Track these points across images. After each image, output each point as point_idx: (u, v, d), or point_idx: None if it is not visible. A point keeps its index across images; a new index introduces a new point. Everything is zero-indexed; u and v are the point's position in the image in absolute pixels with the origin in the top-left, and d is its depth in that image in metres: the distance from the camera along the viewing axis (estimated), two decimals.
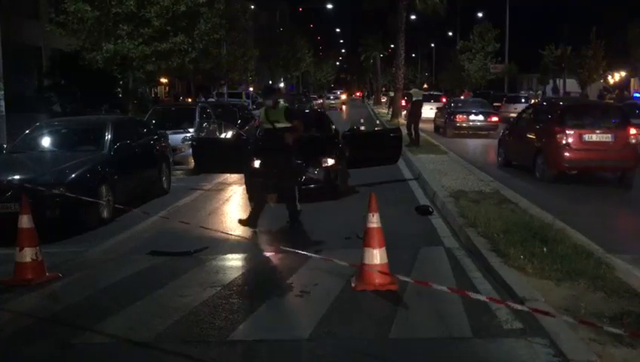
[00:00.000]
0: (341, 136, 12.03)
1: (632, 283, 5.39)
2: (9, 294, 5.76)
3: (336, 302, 5.32)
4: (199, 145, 11.54)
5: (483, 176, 12.15)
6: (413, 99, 19.71)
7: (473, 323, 4.75)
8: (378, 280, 5.56)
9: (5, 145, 10.86)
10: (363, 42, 79.66)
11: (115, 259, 7.06)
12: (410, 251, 6.84)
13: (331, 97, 63.89)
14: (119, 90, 22.68)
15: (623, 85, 43.61)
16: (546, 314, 4.18)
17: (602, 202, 10.38)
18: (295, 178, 8.80)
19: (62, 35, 19.06)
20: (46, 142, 10.17)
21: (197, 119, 15.74)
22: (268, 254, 7.11)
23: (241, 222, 8.35)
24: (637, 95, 27.68)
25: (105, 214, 8.79)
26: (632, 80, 44.93)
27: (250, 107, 28.99)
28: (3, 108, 13.49)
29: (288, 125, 8.41)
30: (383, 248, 5.62)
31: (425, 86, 40.71)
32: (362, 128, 15.11)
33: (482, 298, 4.70)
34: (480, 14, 55.62)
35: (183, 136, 14.57)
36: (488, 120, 23.54)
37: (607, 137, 11.80)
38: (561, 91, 46.00)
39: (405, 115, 21.85)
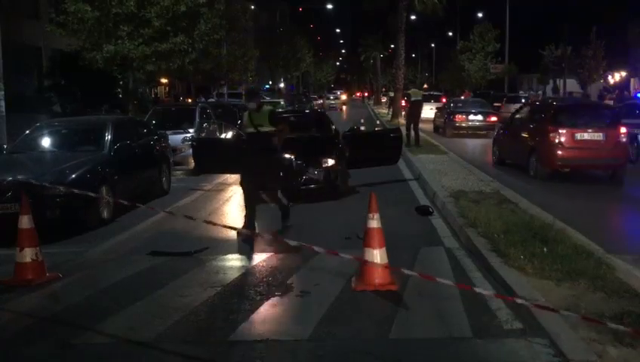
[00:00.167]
0: (341, 136, 12.03)
1: (633, 283, 5.39)
2: (9, 294, 5.76)
3: (336, 302, 5.32)
4: (199, 146, 11.54)
5: (483, 176, 12.16)
6: (412, 99, 19.72)
7: (473, 324, 4.75)
8: (378, 280, 5.56)
9: (5, 146, 10.87)
10: (363, 42, 79.69)
11: (116, 260, 7.06)
12: (410, 251, 6.85)
13: (331, 97, 63.78)
14: (119, 90, 22.69)
15: (623, 85, 43.59)
16: (550, 309, 4.18)
17: (594, 199, 10.62)
18: (278, 181, 8.47)
19: (62, 36, 19.07)
20: (46, 142, 10.17)
21: (197, 119, 15.75)
22: (268, 254, 7.10)
23: (239, 233, 7.91)
24: (637, 95, 27.64)
25: (105, 214, 8.79)
26: (632, 80, 44.91)
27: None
28: (3, 109, 13.49)
29: (272, 129, 8.18)
30: (383, 248, 5.62)
31: (425, 86, 40.74)
32: (362, 128, 15.12)
33: (486, 292, 4.72)
34: (480, 14, 55.62)
35: (183, 136, 14.57)
36: (487, 120, 23.59)
37: (598, 136, 12.12)
38: (562, 91, 45.98)
39: (404, 115, 21.92)
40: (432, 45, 72.66)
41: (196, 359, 4.38)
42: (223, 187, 12.18)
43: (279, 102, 34.14)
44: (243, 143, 8.61)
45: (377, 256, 5.56)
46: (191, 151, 12.12)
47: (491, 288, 5.58)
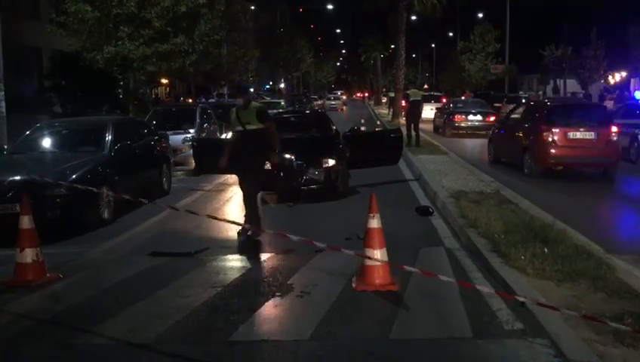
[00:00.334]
0: (342, 136, 12.04)
1: (633, 283, 5.38)
2: (10, 295, 5.76)
3: (336, 303, 5.32)
4: (200, 146, 11.54)
5: (483, 176, 12.16)
6: (411, 99, 19.74)
7: (474, 324, 4.75)
8: (379, 280, 5.56)
9: (6, 146, 10.87)
10: (363, 43, 79.71)
11: (116, 260, 7.06)
12: (410, 252, 6.84)
13: (332, 98, 63.63)
14: (120, 90, 22.71)
15: (624, 85, 43.57)
16: (550, 307, 4.18)
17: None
18: (261, 185, 8.09)
19: (62, 36, 19.08)
20: (47, 142, 10.18)
21: (197, 120, 15.76)
22: (268, 255, 7.10)
23: (240, 234, 7.90)
24: (634, 95, 27.65)
25: (105, 215, 8.79)
26: (633, 80, 44.89)
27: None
28: (4, 109, 13.50)
29: (260, 127, 7.83)
30: (384, 249, 5.63)
31: (425, 86, 40.73)
32: (363, 129, 15.12)
33: (486, 289, 4.71)
34: (480, 15, 55.60)
35: (183, 136, 14.58)
36: (486, 120, 23.68)
37: (590, 135, 12.48)
38: (562, 92, 45.97)
39: (404, 116, 21.99)
40: (433, 46, 72.62)
41: (197, 360, 4.37)
42: (223, 187, 12.18)
43: (280, 103, 34.17)
44: (231, 142, 8.29)
45: (378, 256, 5.56)
46: (191, 151, 12.12)
47: (492, 289, 5.57)
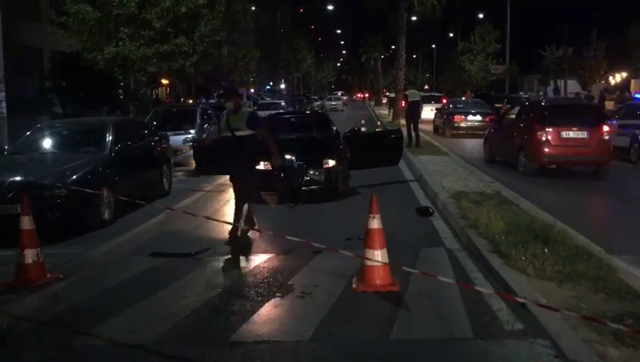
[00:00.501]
0: (342, 137, 12.04)
1: (634, 284, 5.38)
2: (10, 295, 5.76)
3: (337, 303, 5.32)
4: (200, 147, 11.54)
5: (484, 177, 12.16)
6: (410, 99, 19.75)
7: (474, 324, 4.75)
8: (379, 281, 5.56)
9: (6, 147, 10.87)
10: (363, 43, 79.71)
11: (116, 261, 7.07)
12: (411, 252, 6.84)
13: (332, 99, 63.48)
14: (120, 91, 22.71)
15: (624, 86, 43.53)
16: (551, 308, 4.17)
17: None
18: (252, 194, 7.85)
19: (63, 37, 19.08)
20: (47, 143, 10.17)
21: (198, 120, 15.76)
22: (268, 256, 7.09)
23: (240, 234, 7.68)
24: (638, 96, 27.62)
25: (106, 215, 8.79)
26: (633, 81, 44.86)
27: (252, 108, 29.04)
28: (4, 110, 13.50)
29: (249, 133, 7.52)
30: (384, 249, 5.62)
31: (426, 87, 40.73)
32: (363, 129, 15.13)
33: (485, 290, 4.71)
34: (481, 15, 55.59)
35: (183, 137, 14.58)
36: (486, 120, 23.73)
37: (582, 134, 12.83)
38: (562, 92, 45.96)
39: (404, 116, 22.06)
40: (433, 46, 72.64)
41: (197, 360, 4.37)
42: (223, 188, 12.17)
43: (280, 103, 34.20)
44: (219, 148, 7.98)
45: (378, 256, 5.56)
46: (192, 152, 12.13)
47: (492, 289, 5.57)
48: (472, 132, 23.29)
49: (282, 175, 10.13)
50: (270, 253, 7.13)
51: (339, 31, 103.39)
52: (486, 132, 17.10)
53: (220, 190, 11.98)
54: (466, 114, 24.01)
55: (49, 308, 5.46)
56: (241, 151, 7.51)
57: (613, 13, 41.94)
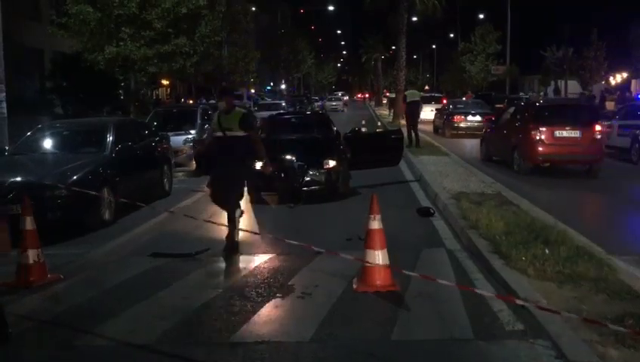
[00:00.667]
0: (342, 137, 12.04)
1: (634, 284, 5.38)
2: (11, 296, 5.76)
3: (337, 304, 5.32)
4: (200, 147, 11.53)
5: (484, 177, 12.17)
6: (409, 100, 19.76)
7: (475, 325, 4.75)
8: (379, 281, 5.56)
9: (7, 147, 10.87)
10: (364, 44, 79.75)
11: (117, 261, 7.07)
12: (411, 253, 6.84)
13: (332, 99, 63.47)
14: (121, 92, 22.72)
15: (624, 86, 43.52)
16: (551, 311, 4.17)
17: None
18: (239, 199, 7.47)
19: (64, 38, 19.09)
20: (48, 144, 10.17)
21: (198, 121, 15.75)
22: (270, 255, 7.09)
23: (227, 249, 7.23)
24: (639, 96, 27.65)
25: (106, 216, 8.79)
26: (634, 81, 44.86)
27: (252, 109, 29.08)
28: (5, 111, 13.50)
29: (242, 134, 7.23)
30: (385, 250, 5.62)
31: (426, 87, 40.69)
32: (364, 130, 15.14)
33: (486, 293, 4.71)
34: (481, 16, 55.59)
35: (184, 137, 14.58)
36: (485, 121, 23.80)
37: (575, 134, 13.19)
38: (563, 92, 45.97)
39: (404, 117, 22.12)
40: (434, 47, 72.64)
41: (197, 360, 4.37)
42: None
43: (280, 104, 34.20)
44: (209, 148, 7.71)
45: (379, 257, 5.56)
46: (192, 152, 12.13)
47: (493, 290, 5.57)
48: (471, 132, 23.36)
49: (283, 175, 10.14)
50: (270, 253, 7.13)
51: (339, 31, 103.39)
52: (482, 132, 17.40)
53: None
54: (466, 114, 24.22)
55: (50, 309, 5.46)
56: (232, 152, 7.22)
57: (613, 13, 41.93)
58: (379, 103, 66.85)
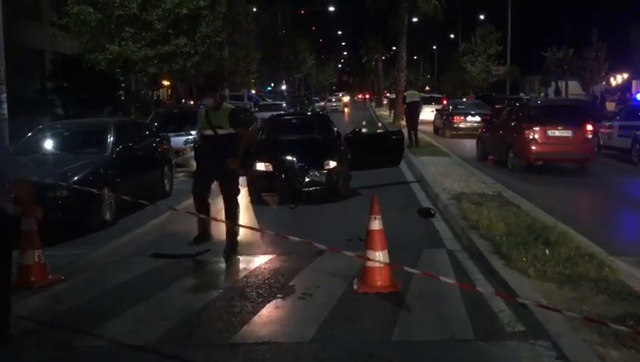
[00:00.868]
0: (343, 138, 12.05)
1: (635, 285, 5.38)
2: (12, 297, 5.76)
3: (338, 305, 5.32)
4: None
5: (485, 178, 12.17)
6: (408, 100, 19.78)
7: (475, 326, 4.75)
8: (380, 282, 5.56)
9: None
10: (364, 44, 79.69)
11: (118, 262, 7.07)
12: (412, 253, 6.84)
13: (333, 100, 63.43)
14: (121, 92, 22.71)
15: (625, 87, 43.50)
16: (552, 309, 4.17)
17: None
18: (235, 202, 7.34)
19: (64, 39, 19.09)
20: (48, 144, 10.17)
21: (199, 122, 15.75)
22: (271, 256, 7.09)
23: (196, 240, 7.23)
24: (636, 97, 27.62)
25: (107, 216, 8.80)
26: (634, 82, 44.83)
27: (253, 109, 29.09)
28: (5, 111, 13.50)
29: (233, 131, 7.02)
30: (385, 250, 5.63)
31: (427, 88, 40.64)
32: (364, 130, 15.14)
33: (486, 290, 4.72)
34: (482, 16, 55.57)
35: (185, 138, 14.58)
36: (484, 121, 23.85)
37: (567, 133, 13.71)
38: (564, 93, 45.96)
39: (404, 117, 22.16)
40: (434, 47, 72.62)
41: (198, 361, 4.38)
42: None
43: (281, 105, 34.21)
44: (199, 147, 7.49)
45: (379, 258, 5.56)
46: (193, 153, 12.11)
47: (493, 290, 5.57)
48: (471, 133, 23.39)
49: (283, 176, 10.14)
50: (271, 253, 7.13)
51: (340, 32, 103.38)
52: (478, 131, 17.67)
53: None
54: (465, 115, 24.34)
55: (50, 309, 5.47)
56: (226, 151, 7.00)
57: (613, 13, 41.92)
58: (379, 104, 66.82)
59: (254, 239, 7.79)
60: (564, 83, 47.50)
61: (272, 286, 5.93)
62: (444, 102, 32.66)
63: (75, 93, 21.65)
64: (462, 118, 24.19)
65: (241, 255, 7.17)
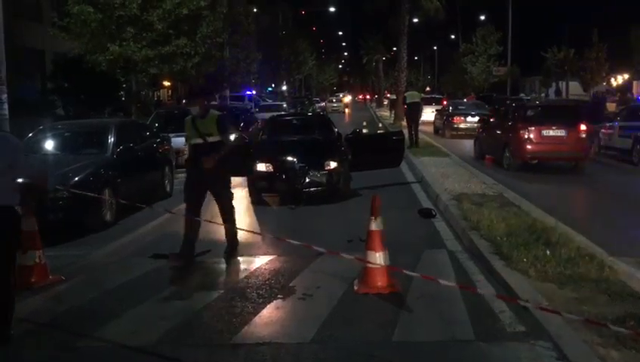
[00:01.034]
0: (344, 138, 12.05)
1: (635, 286, 5.38)
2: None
3: (338, 305, 5.32)
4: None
5: (485, 178, 12.17)
6: (408, 101, 19.79)
7: (476, 326, 4.75)
8: (381, 283, 5.56)
9: None
10: (364, 45, 79.67)
11: (118, 262, 7.07)
12: (413, 254, 6.84)
13: (334, 100, 63.37)
14: (122, 93, 22.72)
15: (625, 88, 43.48)
16: (552, 311, 4.17)
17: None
18: (231, 206, 7.18)
19: (65, 39, 19.10)
20: (49, 145, 10.18)
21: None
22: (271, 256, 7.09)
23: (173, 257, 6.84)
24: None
25: (108, 217, 8.80)
26: (635, 82, 44.81)
27: (253, 110, 29.11)
28: (6, 112, 13.50)
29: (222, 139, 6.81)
30: (386, 251, 5.62)
31: (427, 89, 40.62)
32: (365, 131, 15.14)
33: (487, 292, 4.71)
34: (482, 17, 55.58)
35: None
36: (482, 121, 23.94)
37: (561, 133, 14.08)
38: (564, 93, 45.95)
39: (405, 118, 22.20)
40: (435, 48, 72.62)
41: None
42: None
43: (282, 105, 34.22)
44: (188, 158, 7.21)
45: (380, 258, 5.55)
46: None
47: (494, 291, 5.56)
48: (470, 133, 23.41)
49: (284, 176, 10.14)
50: (272, 254, 7.13)
51: (340, 32, 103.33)
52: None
53: None
54: (465, 115, 24.44)
55: (51, 310, 5.47)
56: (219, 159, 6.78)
57: (613, 14, 41.90)
58: (380, 105, 66.81)
59: (255, 240, 7.79)
60: (564, 83, 47.51)
61: (273, 286, 5.93)
62: (444, 102, 32.71)
63: (75, 94, 21.65)
64: (462, 118, 24.35)
65: (241, 256, 7.17)
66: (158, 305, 5.51)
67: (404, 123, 22.43)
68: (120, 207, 8.94)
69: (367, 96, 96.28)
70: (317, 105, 49.01)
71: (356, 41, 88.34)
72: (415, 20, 40.17)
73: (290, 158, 10.25)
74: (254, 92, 41.57)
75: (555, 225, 7.30)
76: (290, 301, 5.53)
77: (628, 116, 16.99)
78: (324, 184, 10.35)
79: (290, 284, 5.96)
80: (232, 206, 7.30)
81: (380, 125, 31.69)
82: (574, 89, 46.32)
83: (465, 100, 34.33)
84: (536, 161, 14.34)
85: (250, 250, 7.37)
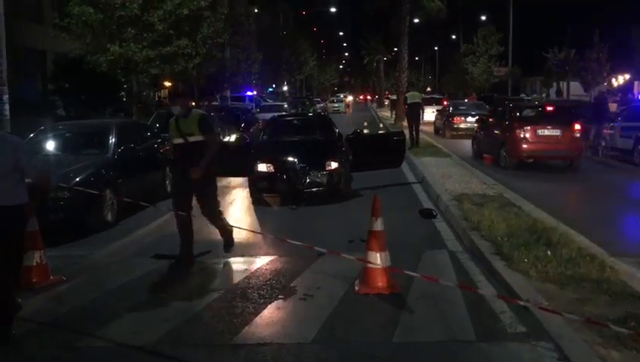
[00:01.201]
0: (344, 139, 12.05)
1: (636, 286, 5.37)
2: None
3: (339, 306, 5.32)
4: None
5: (486, 178, 12.17)
6: (408, 102, 19.80)
7: (477, 327, 4.75)
8: (381, 283, 5.56)
9: None
10: (365, 45, 79.68)
11: (119, 262, 7.08)
12: (413, 254, 6.84)
13: (335, 100, 63.25)
14: (123, 93, 22.75)
15: (626, 88, 43.46)
16: (553, 311, 4.17)
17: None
18: (215, 206, 7.06)
19: (66, 40, 19.12)
20: (50, 145, 10.19)
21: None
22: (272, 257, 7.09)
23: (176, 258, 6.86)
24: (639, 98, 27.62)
25: (109, 217, 8.81)
26: (636, 83, 44.77)
27: (254, 110, 29.12)
28: (7, 112, 13.52)
29: (203, 139, 6.74)
30: (386, 251, 5.63)
31: (428, 89, 40.60)
32: (366, 131, 15.14)
33: (487, 292, 4.71)
34: (483, 17, 55.56)
35: None
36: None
37: (556, 132, 14.36)
38: (565, 94, 45.93)
39: (406, 118, 22.22)
40: (436, 48, 72.61)
41: None
42: (225, 190, 12.17)
43: (283, 105, 34.24)
44: (172, 157, 7.15)
45: (380, 259, 5.56)
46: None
47: (495, 291, 5.56)
48: (470, 133, 23.41)
49: (285, 177, 10.15)
50: (272, 255, 7.13)
51: (341, 33, 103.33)
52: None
53: (222, 192, 11.97)
54: (465, 115, 24.49)
55: (52, 310, 5.48)
56: (198, 159, 6.66)
57: (614, 14, 41.88)
58: (381, 105, 66.82)
59: (255, 240, 7.79)
60: (565, 84, 47.48)
61: (274, 287, 5.93)
62: (445, 103, 32.73)
63: (76, 94, 21.69)
64: (462, 118, 24.43)
65: (242, 256, 7.17)
66: (159, 305, 5.51)
67: (405, 123, 22.44)
68: (121, 207, 8.95)
69: (368, 97, 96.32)
70: (318, 105, 49.00)
71: (357, 41, 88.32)
72: (416, 20, 40.17)
73: (291, 159, 10.25)
74: (255, 92, 41.58)
75: (555, 226, 7.30)
76: (291, 301, 5.53)
77: (629, 116, 16.99)
78: (325, 184, 10.35)
79: (291, 285, 5.96)
80: (217, 207, 7.11)
81: (381, 125, 31.70)
82: (575, 89, 46.28)
83: (465, 101, 34.32)
84: (532, 160, 14.58)
85: (251, 251, 7.37)
